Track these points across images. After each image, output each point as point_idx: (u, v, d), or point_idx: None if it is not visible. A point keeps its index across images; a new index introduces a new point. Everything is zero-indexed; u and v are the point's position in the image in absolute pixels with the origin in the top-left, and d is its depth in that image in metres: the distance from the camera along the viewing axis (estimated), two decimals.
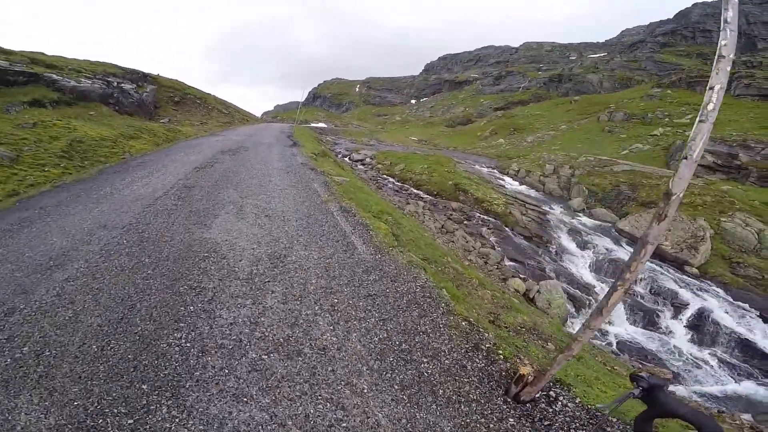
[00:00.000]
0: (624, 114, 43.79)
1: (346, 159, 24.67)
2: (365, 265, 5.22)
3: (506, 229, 16.06)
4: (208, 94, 32.01)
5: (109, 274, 4.21)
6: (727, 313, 11.30)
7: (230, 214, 6.47)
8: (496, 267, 12.06)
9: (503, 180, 24.62)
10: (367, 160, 24.95)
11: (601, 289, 11.93)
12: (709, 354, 9.83)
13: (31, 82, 12.88)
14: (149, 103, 20.15)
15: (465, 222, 15.76)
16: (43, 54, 17.30)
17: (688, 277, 13.74)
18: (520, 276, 11.39)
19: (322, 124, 54.71)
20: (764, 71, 40.69)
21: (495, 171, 26.84)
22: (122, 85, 18.14)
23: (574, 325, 9.43)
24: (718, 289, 12.96)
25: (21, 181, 6.99)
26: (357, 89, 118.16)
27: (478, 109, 70.56)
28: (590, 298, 11.15)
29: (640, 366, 8.59)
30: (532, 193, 22.71)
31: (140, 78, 23.36)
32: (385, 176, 20.52)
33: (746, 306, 11.87)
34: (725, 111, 38.06)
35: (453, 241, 12.91)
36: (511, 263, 12.67)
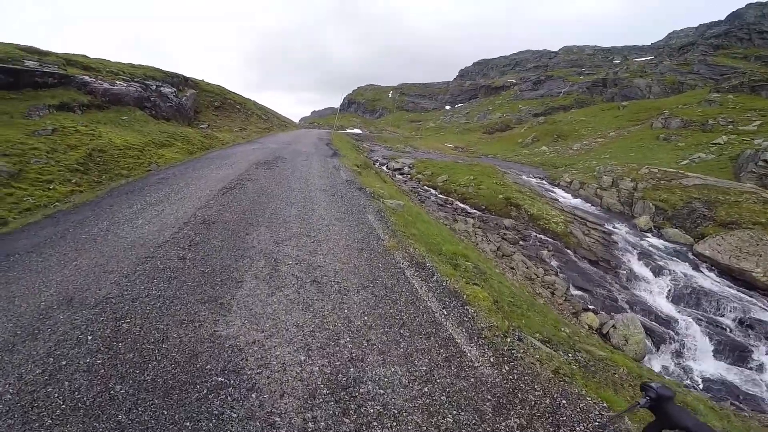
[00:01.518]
0: (681, 120, 39.97)
1: (384, 168, 23.14)
2: (491, 392, 3.05)
3: (567, 251, 13.96)
4: (248, 99, 31.48)
5: None
6: None
7: (260, 280, 4.33)
8: (563, 298, 10.18)
9: (554, 192, 22.23)
10: (406, 169, 23.32)
11: (685, 322, 10.21)
12: None
13: (61, 84, 11.91)
14: (189, 107, 19.33)
15: (521, 243, 13.80)
16: (85, 57, 16.68)
17: None
18: (590, 307, 9.95)
19: (357, 130, 53.82)
20: None
21: (545, 182, 24.44)
22: (161, 88, 17.29)
23: (652, 363, 8.42)
24: None
25: (15, 204, 5.65)
26: (390, 95, 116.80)
27: (516, 114, 67.58)
28: (670, 332, 9.52)
29: (734, 406, 7.24)
30: (588, 207, 20.27)
31: (181, 82, 22.79)
32: (426, 187, 18.79)
33: None
34: None
35: (513, 268, 11.03)
36: (578, 292, 10.91)
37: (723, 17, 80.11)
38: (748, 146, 29.88)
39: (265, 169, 11.17)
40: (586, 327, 8.66)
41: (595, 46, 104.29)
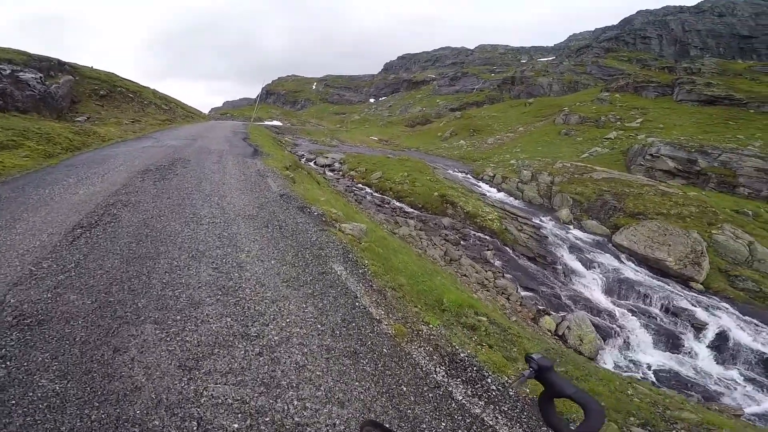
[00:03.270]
0: (579, 117, 43.59)
1: (312, 164, 21.18)
2: None
3: (506, 248, 13.74)
4: (145, 87, 26.75)
5: None
6: (741, 329, 10.71)
7: None
8: (519, 303, 9.88)
9: (480, 186, 22.29)
10: (336, 165, 21.62)
11: (622, 314, 10.80)
12: (737, 373, 9.30)
13: None
14: (60, 96, 15.23)
15: (462, 243, 13.20)
16: None
17: (695, 293, 12.70)
18: (543, 309, 10.04)
19: (277, 122, 50.09)
20: (703, 78, 42.07)
21: (470, 176, 24.51)
22: (20, 74, 13.33)
23: (605, 359, 8.68)
24: (726, 305, 12.12)
25: None
26: (314, 87, 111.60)
27: (435, 109, 68.93)
28: (614, 326, 9.97)
29: (684, 395, 7.24)
30: (512, 201, 20.60)
31: (53, 67, 18.25)
32: (360, 185, 17.43)
33: (755, 320, 11.25)
34: (670, 116, 38.82)
35: (465, 275, 10.28)
36: (526, 293, 10.98)
37: (617, 22, 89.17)
38: (634, 141, 33.42)
39: (156, 181, 7.91)
40: (546, 330, 8.68)
41: (507, 45, 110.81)
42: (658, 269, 14.13)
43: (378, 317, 3.84)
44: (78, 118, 15.36)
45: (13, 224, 4.82)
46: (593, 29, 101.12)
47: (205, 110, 63.88)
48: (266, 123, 43.16)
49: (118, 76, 24.33)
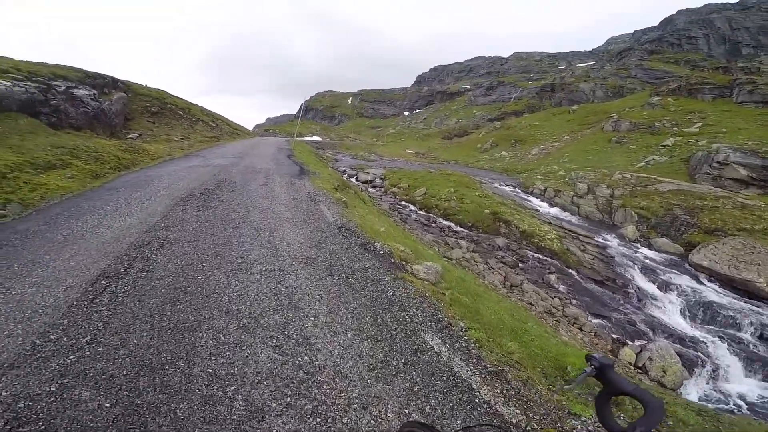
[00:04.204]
0: (630, 123, 40.72)
1: (354, 180, 20.67)
2: None
3: (570, 271, 12.31)
4: (194, 104, 27.46)
5: None
6: None
7: None
8: (593, 334, 8.67)
9: (530, 201, 20.75)
10: (378, 180, 20.94)
11: (708, 341, 9.65)
12: None
13: None
14: (114, 113, 15.44)
15: (520, 265, 11.95)
16: None
17: None
18: (623, 340, 9.05)
19: (317, 138, 50.72)
20: (764, 77, 38.12)
21: (518, 190, 23.02)
22: (75, 90, 13.56)
23: (688, 389, 7.96)
24: None
25: None
26: (350, 101, 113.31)
27: (471, 119, 67.49)
28: (699, 354, 8.94)
29: None
30: (567, 216, 18.95)
31: (107, 84, 18.68)
32: (404, 203, 16.59)
33: None
34: (733, 119, 35.34)
35: (531, 304, 9.11)
36: (597, 320, 9.84)
37: (656, 23, 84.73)
38: (694, 147, 30.49)
39: (200, 210, 6.98)
40: (626, 363, 7.94)
41: (542, 52, 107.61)
42: (746, 291, 12.35)
43: (515, 420, 2.75)
44: (130, 135, 15.61)
45: (31, 270, 4.07)
46: (632, 32, 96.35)
47: (250, 126, 66.15)
48: (307, 139, 43.70)
49: (168, 93, 25.07)
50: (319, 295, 4.35)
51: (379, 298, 4.49)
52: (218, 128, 26.16)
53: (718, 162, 24.88)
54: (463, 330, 4.06)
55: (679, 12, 79.73)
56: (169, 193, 8.08)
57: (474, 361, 3.53)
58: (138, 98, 20.69)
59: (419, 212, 15.45)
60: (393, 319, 4.06)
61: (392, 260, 5.77)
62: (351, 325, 3.82)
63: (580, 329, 9.04)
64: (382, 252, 6.03)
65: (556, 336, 5.88)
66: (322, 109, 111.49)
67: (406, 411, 2.64)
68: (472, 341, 3.86)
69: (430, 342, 3.70)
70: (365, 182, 20.52)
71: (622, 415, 3.31)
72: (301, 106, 63.33)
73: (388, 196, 17.55)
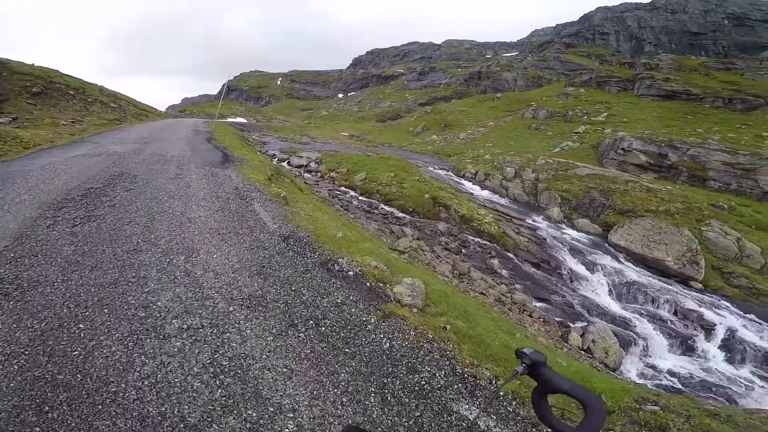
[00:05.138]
0: (547, 111, 43.68)
1: (286, 164, 19.09)
2: None
3: (508, 254, 12.56)
4: (90, 83, 23.30)
5: None
6: (746, 327, 10.71)
7: None
8: (542, 320, 8.99)
9: (463, 184, 21.09)
10: (313, 165, 19.59)
11: (635, 319, 10.48)
12: (750, 372, 9.28)
13: None
14: None
15: (463, 251, 11.86)
16: None
17: (696, 292, 12.55)
18: (557, 319, 9.49)
19: (241, 119, 46.75)
20: (661, 73, 43.15)
21: (451, 174, 23.24)
22: None
23: (626, 367, 8.52)
24: (726, 303, 12.05)
25: None
26: (279, 82, 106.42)
27: (404, 103, 67.72)
28: (630, 333, 9.65)
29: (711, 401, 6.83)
30: (497, 198, 19.63)
31: None
32: (344, 188, 15.64)
33: (756, 318, 11.25)
34: (633, 110, 39.49)
35: (483, 293, 8.94)
36: (540, 304, 10.19)
37: (576, 18, 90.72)
38: (601, 135, 33.65)
39: (77, 223, 4.83)
40: (576, 348, 8.22)
41: (472, 40, 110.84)
42: (657, 269, 13.84)
43: None
44: (1, 120, 12.45)
45: None
46: (554, 25, 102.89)
47: (162, 108, 59.00)
48: (229, 120, 40.04)
49: (57, 72, 20.91)
50: (285, 366, 2.90)
51: (375, 357, 3.23)
52: (121, 110, 22.46)
53: (623, 149, 27.60)
54: (492, 381, 3.25)
55: (598, 9, 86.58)
56: (34, 198, 5.67)
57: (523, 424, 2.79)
58: (16, 77, 16.99)
59: (360, 198, 14.67)
60: (407, 392, 2.90)
61: (367, 284, 4.40)
62: (353, 415, 2.58)
63: (530, 315, 9.40)
64: (351, 273, 4.55)
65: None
66: (247, 90, 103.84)
67: None
68: (509, 396, 3.09)
69: (469, 416, 2.76)
70: (298, 167, 19.12)
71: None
72: (223, 86, 57.88)
73: (326, 182, 16.45)
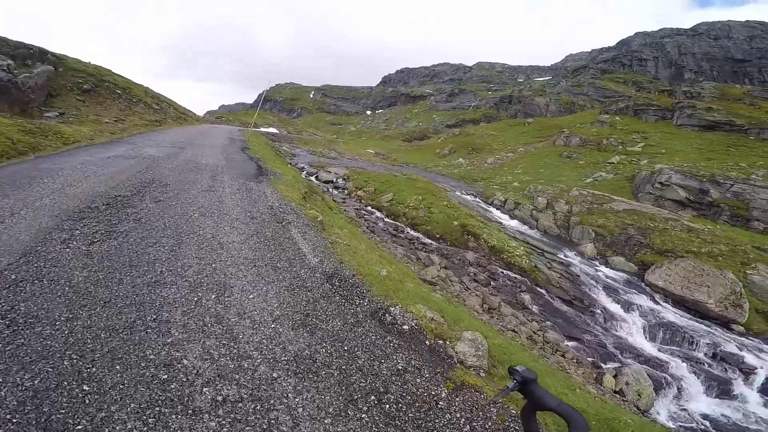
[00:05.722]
0: (580, 139, 42.39)
1: (314, 179, 19.12)
2: None
3: (539, 290, 11.89)
4: (137, 84, 24.27)
5: None
6: None
7: None
8: (575, 361, 8.71)
9: (491, 211, 20.49)
10: (340, 181, 19.51)
11: (670, 362, 9.92)
12: None
13: None
14: (30, 88, 12.71)
15: (492, 283, 11.27)
16: None
17: (737, 336, 11.95)
18: (589, 359, 9.03)
19: (273, 129, 47.84)
20: (703, 102, 41.25)
21: (479, 200, 22.69)
22: None
23: (657, 409, 8.18)
24: None
25: None
26: (312, 95, 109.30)
27: (431, 124, 67.68)
28: (665, 375, 9.17)
29: None
30: (526, 230, 18.81)
31: (31, 55, 15.71)
32: (370, 208, 15.39)
33: None
34: (671, 140, 37.65)
35: (515, 331, 8.41)
36: (571, 343, 9.62)
37: (614, 44, 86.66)
38: (636, 167, 32.18)
39: (94, 241, 4.31)
40: (609, 391, 7.89)
41: (504, 63, 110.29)
42: (697, 311, 13.00)
43: None
44: (48, 114, 12.91)
45: None
46: (590, 50, 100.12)
47: (201, 112, 61.29)
48: (262, 129, 40.98)
49: (108, 71, 21.84)
50: None
51: None
52: (162, 111, 23.23)
53: (660, 183, 26.22)
54: None
55: (636, 34, 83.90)
56: (55, 203, 5.22)
57: None
58: (70, 73, 17.71)
59: (386, 220, 14.34)
60: None
61: (426, 342, 3.71)
62: None
63: (563, 356, 8.68)
64: (406, 327, 3.85)
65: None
66: (281, 101, 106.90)
67: None
68: None
69: None
70: (326, 182, 19.05)
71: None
72: (260, 95, 59.71)
73: (352, 200, 16.25)
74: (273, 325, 3.38)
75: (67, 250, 3.98)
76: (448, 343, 3.79)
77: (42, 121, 11.59)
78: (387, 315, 4.03)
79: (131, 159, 9.14)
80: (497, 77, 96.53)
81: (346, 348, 3.32)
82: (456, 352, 3.65)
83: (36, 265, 3.59)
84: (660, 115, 44.19)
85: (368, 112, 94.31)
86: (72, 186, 6.22)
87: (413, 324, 3.94)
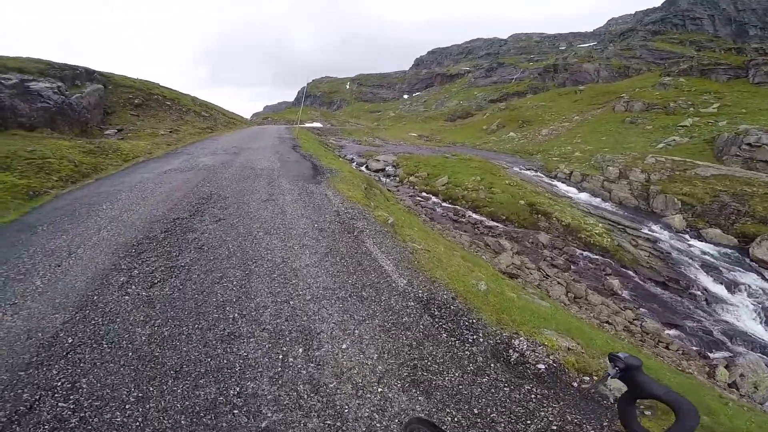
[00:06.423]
0: (642, 103, 38.54)
1: (364, 168, 18.54)
2: None
3: (626, 271, 10.46)
4: (184, 94, 24.92)
5: None
6: None
7: None
8: (681, 352, 7.46)
9: (556, 185, 18.84)
10: (390, 169, 18.79)
11: None
12: None
13: None
14: (85, 108, 13.09)
15: (572, 267, 10.06)
16: None
17: None
18: (693, 348, 7.81)
19: (318, 124, 48.14)
20: None
21: (541, 174, 20.96)
22: (30, 84, 11.12)
23: None
24: None
25: None
26: (348, 86, 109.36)
27: (473, 101, 64.99)
28: None
29: None
30: (598, 202, 17.04)
31: (79, 76, 16.00)
32: (425, 194, 14.54)
33: None
34: (751, 99, 33.38)
35: (609, 322, 7.30)
36: (671, 332, 8.28)
37: (659, 4, 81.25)
38: (714, 128, 28.53)
39: (155, 283, 3.78)
40: (723, 384, 6.92)
41: (542, 33, 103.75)
42: None
43: None
44: (108, 131, 13.25)
45: None
46: (634, 12, 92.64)
47: (247, 115, 63.26)
48: (307, 125, 41.26)
49: (154, 84, 22.52)
50: None
51: None
52: (212, 118, 23.69)
53: (749, 144, 22.86)
54: None
55: None
56: (113, 236, 4.92)
57: None
58: (119, 90, 18.23)
59: (444, 204, 13.42)
60: None
61: (573, 383, 2.83)
62: None
63: (667, 348, 7.50)
64: (542, 367, 2.97)
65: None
66: (320, 95, 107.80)
67: None
68: None
69: None
70: (376, 171, 18.39)
71: None
72: (301, 93, 60.42)
73: (405, 187, 15.47)
74: (379, 389, 2.63)
75: (126, 297, 3.52)
76: (596, 378, 2.88)
77: (102, 139, 11.79)
78: (512, 351, 3.12)
79: (188, 172, 8.81)
80: (536, 47, 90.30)
81: (476, 411, 2.49)
82: (610, 389, 2.71)
83: (93, 321, 3.14)
84: (732, 74, 39.35)
85: (405, 96, 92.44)
86: (129, 211, 5.94)
87: (550, 361, 3.03)
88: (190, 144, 13.75)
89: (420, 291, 3.99)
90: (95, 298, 3.47)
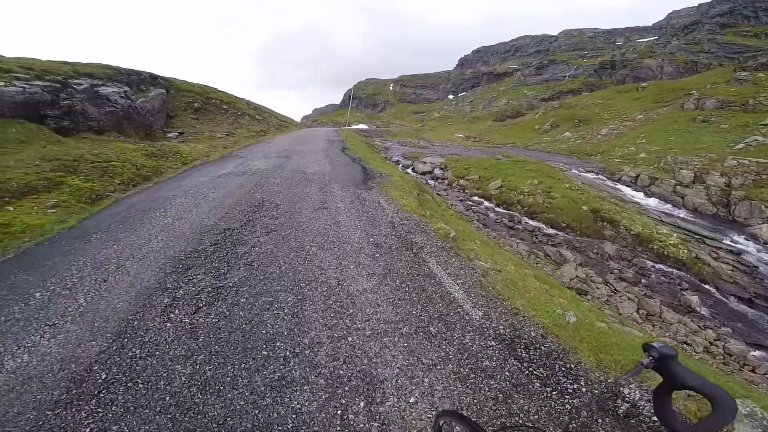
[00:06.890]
0: (716, 101, 34.94)
1: (410, 171, 18.31)
2: None
3: (705, 286, 9.36)
4: (239, 98, 26.03)
5: None
6: None
7: None
8: None
9: (620, 190, 17.42)
10: (437, 171, 18.38)
11: None
12: None
13: None
14: (150, 111, 13.83)
15: (642, 281, 9.17)
16: None
17: None
18: None
19: (363, 126, 48.63)
20: None
21: (603, 177, 19.52)
22: (99, 89, 11.79)
23: None
24: None
25: None
26: (391, 88, 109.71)
27: (523, 100, 62.46)
28: None
29: None
30: (669, 209, 15.45)
31: (143, 81, 16.95)
32: (476, 198, 14.04)
33: None
34: None
35: (686, 343, 6.51)
36: (757, 353, 7.46)
37: None
38: None
39: (200, 308, 3.50)
40: None
41: (595, 28, 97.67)
42: None
43: None
44: (170, 135, 14.07)
45: None
46: (697, 5, 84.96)
47: (298, 118, 65.46)
48: (353, 127, 41.81)
49: (212, 88, 23.68)
50: None
51: None
52: (265, 121, 24.57)
53: None
54: None
55: None
56: (163, 247, 4.84)
57: None
58: (181, 94, 19.34)
59: (497, 210, 12.83)
60: None
61: None
62: None
63: (753, 372, 6.55)
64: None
65: None
66: (364, 97, 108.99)
67: None
68: None
69: None
70: (423, 173, 18.07)
71: None
72: (347, 95, 61.46)
73: (454, 191, 15.01)
74: None
75: (168, 324, 3.26)
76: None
77: (163, 142, 12.46)
78: (620, 401, 2.56)
79: (241, 176, 8.87)
80: (589, 43, 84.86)
81: None
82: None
83: (131, 353, 2.89)
84: None
85: (450, 97, 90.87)
86: (181, 219, 5.88)
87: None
88: (244, 147, 14.19)
89: (501, 326, 3.42)
90: (135, 323, 3.27)
